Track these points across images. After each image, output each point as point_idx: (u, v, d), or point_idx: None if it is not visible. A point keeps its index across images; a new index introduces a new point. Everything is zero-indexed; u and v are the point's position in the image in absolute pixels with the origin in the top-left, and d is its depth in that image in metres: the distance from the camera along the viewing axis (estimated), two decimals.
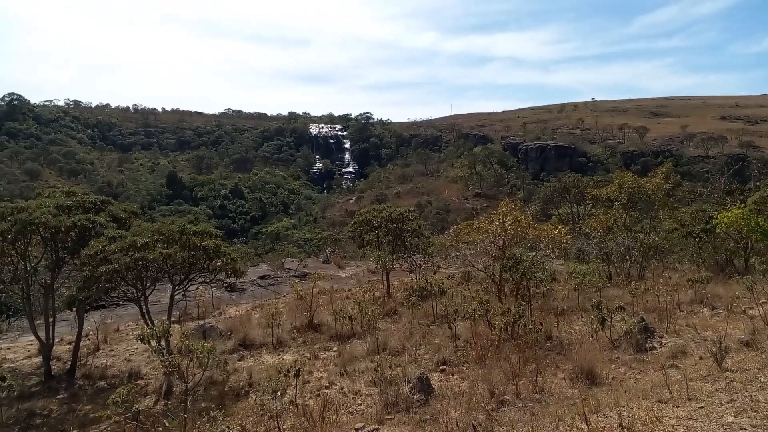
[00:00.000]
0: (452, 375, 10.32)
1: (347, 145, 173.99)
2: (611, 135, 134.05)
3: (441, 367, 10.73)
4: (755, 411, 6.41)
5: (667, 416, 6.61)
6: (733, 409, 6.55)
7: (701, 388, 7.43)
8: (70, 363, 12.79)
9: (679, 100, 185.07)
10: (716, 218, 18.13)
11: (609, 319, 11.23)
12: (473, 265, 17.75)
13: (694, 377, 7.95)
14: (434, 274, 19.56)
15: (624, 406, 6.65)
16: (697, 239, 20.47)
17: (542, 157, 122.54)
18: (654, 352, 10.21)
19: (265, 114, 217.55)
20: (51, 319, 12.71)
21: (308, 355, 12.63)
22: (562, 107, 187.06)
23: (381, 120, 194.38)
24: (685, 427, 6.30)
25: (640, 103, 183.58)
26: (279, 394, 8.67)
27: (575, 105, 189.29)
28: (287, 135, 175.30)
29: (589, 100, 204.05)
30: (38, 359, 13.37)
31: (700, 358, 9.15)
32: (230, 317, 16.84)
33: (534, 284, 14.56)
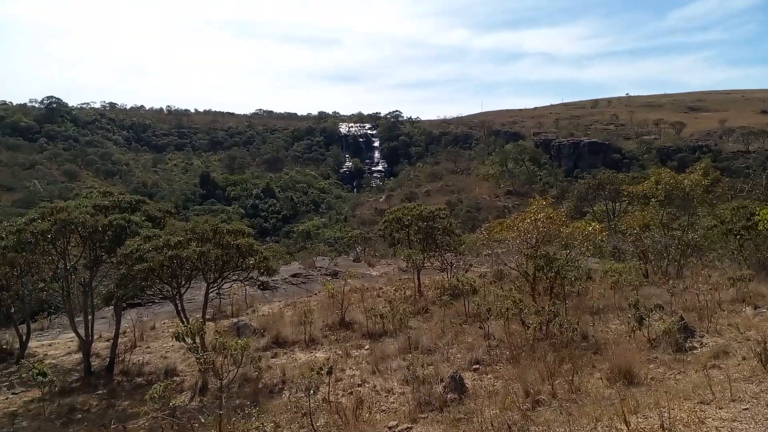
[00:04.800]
0: (486, 374, 10.19)
1: (376, 144, 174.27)
2: (646, 131, 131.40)
3: (474, 367, 10.60)
4: None
5: (710, 417, 6.41)
6: None
7: (745, 389, 7.19)
8: (108, 359, 13.06)
9: (717, 94, 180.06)
10: (758, 215, 17.60)
11: (647, 318, 10.95)
12: (506, 264, 17.55)
13: (737, 378, 7.69)
14: (466, 272, 19.39)
15: (665, 407, 6.47)
16: (737, 236, 19.85)
17: (575, 154, 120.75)
18: (694, 352, 9.92)
19: (296, 114, 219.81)
20: (90, 317, 13.00)
21: (340, 352, 12.63)
22: (595, 103, 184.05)
23: (410, 118, 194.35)
24: (729, 429, 6.10)
25: (676, 97, 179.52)
26: (312, 391, 8.73)
27: (609, 100, 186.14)
28: (317, 134, 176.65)
29: (624, 95, 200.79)
30: (78, 356, 13.71)
31: (744, 358, 8.84)
32: (263, 315, 16.98)
33: (568, 283, 14.28)
